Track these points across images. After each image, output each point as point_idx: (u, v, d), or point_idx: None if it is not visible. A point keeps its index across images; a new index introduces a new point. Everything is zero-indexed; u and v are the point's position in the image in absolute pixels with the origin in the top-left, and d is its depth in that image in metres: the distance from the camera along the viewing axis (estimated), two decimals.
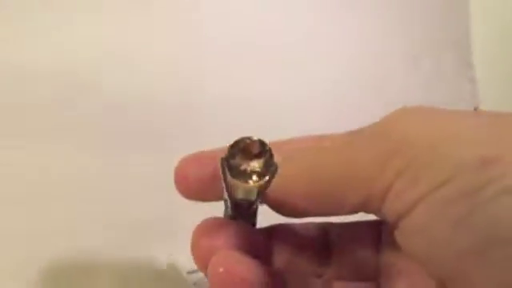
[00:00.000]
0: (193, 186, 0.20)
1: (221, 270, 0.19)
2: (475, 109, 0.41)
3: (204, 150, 0.21)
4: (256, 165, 0.17)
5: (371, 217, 0.19)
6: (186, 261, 0.32)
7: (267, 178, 0.17)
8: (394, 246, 0.18)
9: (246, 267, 0.19)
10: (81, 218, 0.34)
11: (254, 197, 0.18)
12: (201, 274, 0.32)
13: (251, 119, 0.38)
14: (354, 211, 0.18)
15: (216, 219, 0.21)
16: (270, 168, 0.17)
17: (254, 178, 0.17)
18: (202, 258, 0.20)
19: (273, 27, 0.42)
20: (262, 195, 0.18)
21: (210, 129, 0.37)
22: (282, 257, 0.22)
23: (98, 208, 0.34)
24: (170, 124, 0.37)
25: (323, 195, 0.18)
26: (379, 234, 0.22)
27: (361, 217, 0.20)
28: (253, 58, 0.40)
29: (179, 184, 0.21)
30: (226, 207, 0.21)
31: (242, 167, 0.17)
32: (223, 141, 0.36)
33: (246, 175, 0.17)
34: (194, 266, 0.32)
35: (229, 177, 0.17)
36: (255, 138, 0.17)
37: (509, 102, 0.42)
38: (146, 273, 0.33)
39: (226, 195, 0.19)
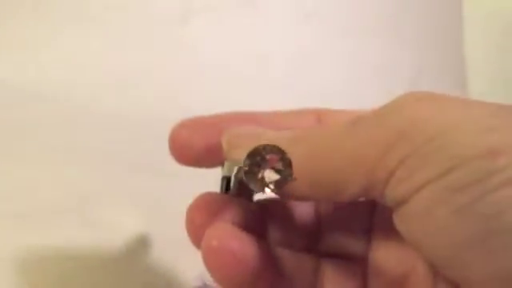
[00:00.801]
0: (188, 153, 0.20)
1: (214, 243, 0.18)
2: None
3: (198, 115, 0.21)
4: (273, 174, 0.17)
5: None
6: (190, 276, 0.33)
7: (282, 185, 0.17)
8: (386, 225, 0.18)
9: (240, 241, 0.19)
10: (82, 237, 0.34)
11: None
12: None
13: None
14: (356, 197, 0.18)
15: (212, 194, 0.20)
16: (286, 176, 0.17)
17: (271, 186, 0.17)
18: (196, 233, 0.19)
19: (271, 46, 0.42)
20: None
21: None
22: (275, 232, 0.21)
23: (99, 227, 0.34)
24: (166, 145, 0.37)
25: (324, 181, 0.18)
26: (371, 213, 0.22)
27: None
28: (252, 76, 0.41)
29: (174, 150, 0.21)
30: (223, 184, 0.21)
31: (259, 175, 0.17)
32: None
33: (262, 183, 0.17)
34: (198, 283, 0.33)
35: (245, 182, 0.17)
36: (274, 146, 0.17)
37: None
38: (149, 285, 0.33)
39: (226, 174, 0.20)
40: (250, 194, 0.21)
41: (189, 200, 0.21)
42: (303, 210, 0.22)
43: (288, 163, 0.17)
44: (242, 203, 0.20)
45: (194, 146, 0.20)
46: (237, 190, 0.20)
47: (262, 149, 0.17)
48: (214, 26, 0.42)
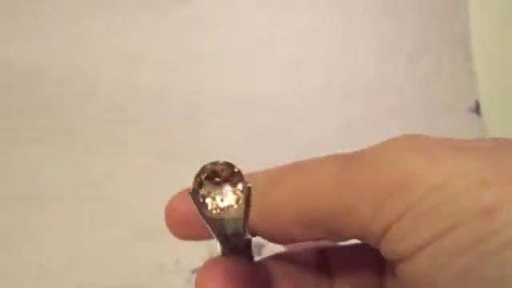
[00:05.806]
0: (182, 224, 0.20)
1: None
2: (476, 102, 0.41)
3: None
4: (228, 189, 0.15)
5: None
6: (190, 260, 0.33)
7: (241, 202, 0.15)
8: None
9: None
10: (82, 217, 0.34)
11: (239, 227, 0.17)
12: None
13: (253, 122, 0.38)
14: (354, 238, 0.17)
15: (216, 259, 0.20)
16: (242, 191, 0.15)
17: (231, 203, 0.15)
18: None
19: (271, 27, 0.42)
20: (246, 224, 0.17)
21: (212, 131, 0.38)
22: (284, 286, 0.21)
23: (100, 208, 0.34)
24: (171, 126, 0.37)
25: (316, 223, 0.17)
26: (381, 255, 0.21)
27: None
28: (255, 59, 0.40)
29: (169, 224, 0.20)
30: (221, 245, 0.20)
31: (213, 195, 0.15)
32: (223, 144, 0.37)
33: (219, 205, 0.15)
34: (198, 265, 0.33)
35: (205, 211, 0.15)
36: (221, 161, 0.15)
37: (508, 95, 0.42)
38: (149, 272, 0.33)
39: (212, 233, 0.18)
40: (248, 250, 0.20)
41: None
42: (310, 259, 0.21)
43: (240, 176, 0.15)
44: (243, 263, 0.20)
45: (185, 214, 0.20)
46: (227, 249, 0.19)
47: (207, 167, 0.15)
48: (215, 6, 0.41)
